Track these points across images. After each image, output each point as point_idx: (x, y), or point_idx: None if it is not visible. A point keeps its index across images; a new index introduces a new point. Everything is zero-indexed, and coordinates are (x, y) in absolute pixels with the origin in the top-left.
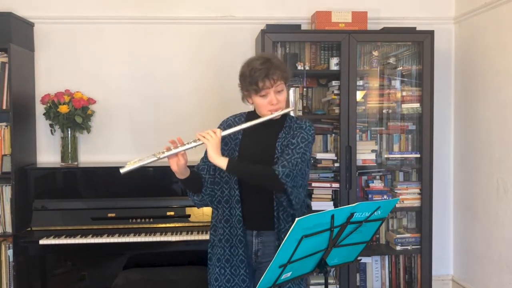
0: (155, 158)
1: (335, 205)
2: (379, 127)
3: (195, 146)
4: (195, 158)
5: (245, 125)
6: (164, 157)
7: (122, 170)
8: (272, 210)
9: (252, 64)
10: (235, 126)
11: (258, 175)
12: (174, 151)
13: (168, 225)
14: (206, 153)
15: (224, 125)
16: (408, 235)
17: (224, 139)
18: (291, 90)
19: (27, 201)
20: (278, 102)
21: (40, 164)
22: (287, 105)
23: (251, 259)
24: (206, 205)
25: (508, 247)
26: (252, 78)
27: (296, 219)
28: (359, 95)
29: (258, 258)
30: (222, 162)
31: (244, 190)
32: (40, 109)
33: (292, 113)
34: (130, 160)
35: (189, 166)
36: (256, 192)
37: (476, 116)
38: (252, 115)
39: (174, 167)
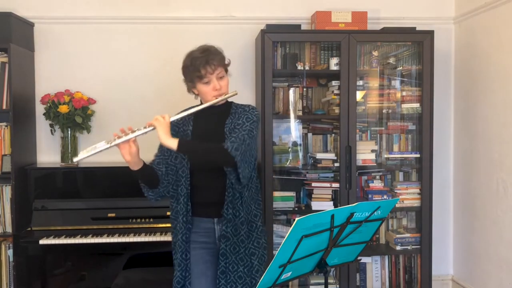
0: (108, 146)
1: (335, 205)
2: (379, 127)
3: (145, 132)
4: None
5: (192, 109)
6: (116, 144)
7: (75, 159)
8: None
9: (192, 54)
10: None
11: (208, 150)
12: (126, 137)
13: (168, 225)
14: (160, 147)
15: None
16: (408, 235)
17: (176, 133)
18: (291, 90)
19: (27, 201)
20: (221, 87)
21: (40, 164)
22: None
23: (215, 244)
24: (161, 197)
25: (508, 247)
26: (194, 66)
27: (296, 219)
28: (359, 95)
29: (221, 243)
30: (172, 142)
31: (197, 181)
32: (40, 109)
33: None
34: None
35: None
36: (210, 182)
37: (476, 116)
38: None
39: (127, 157)
